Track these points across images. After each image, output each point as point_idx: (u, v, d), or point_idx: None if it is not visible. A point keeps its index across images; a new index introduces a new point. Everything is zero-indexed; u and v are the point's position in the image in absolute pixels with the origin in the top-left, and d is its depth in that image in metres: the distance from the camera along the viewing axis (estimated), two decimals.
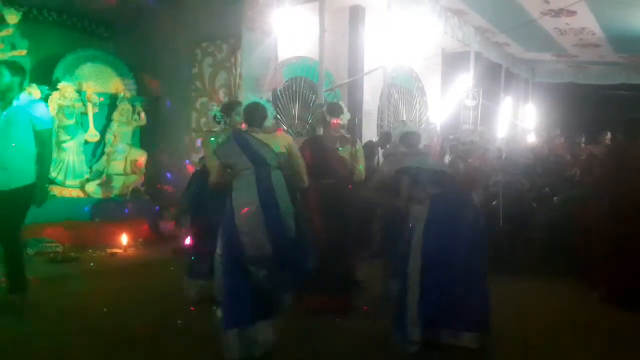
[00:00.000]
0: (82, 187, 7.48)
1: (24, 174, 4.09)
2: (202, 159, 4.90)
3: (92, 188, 7.52)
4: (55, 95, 7.25)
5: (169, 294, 4.67)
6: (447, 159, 6.85)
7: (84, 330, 3.79)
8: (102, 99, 7.76)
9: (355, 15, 8.47)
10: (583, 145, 8.48)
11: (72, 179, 7.43)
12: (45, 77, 7.28)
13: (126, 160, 7.81)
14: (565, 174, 7.17)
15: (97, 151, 7.88)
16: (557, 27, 9.42)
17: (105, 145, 7.82)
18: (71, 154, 7.43)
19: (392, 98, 9.66)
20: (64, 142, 7.34)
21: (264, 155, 3.40)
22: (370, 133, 8.87)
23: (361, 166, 4.52)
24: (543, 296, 4.98)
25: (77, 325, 3.89)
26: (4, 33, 6.69)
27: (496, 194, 6.17)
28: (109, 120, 7.87)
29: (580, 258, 5.49)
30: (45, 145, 4.19)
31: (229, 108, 4.53)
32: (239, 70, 7.29)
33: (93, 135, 7.71)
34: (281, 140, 3.55)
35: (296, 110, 8.24)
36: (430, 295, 3.48)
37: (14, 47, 6.74)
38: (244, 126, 4.19)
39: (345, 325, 4.01)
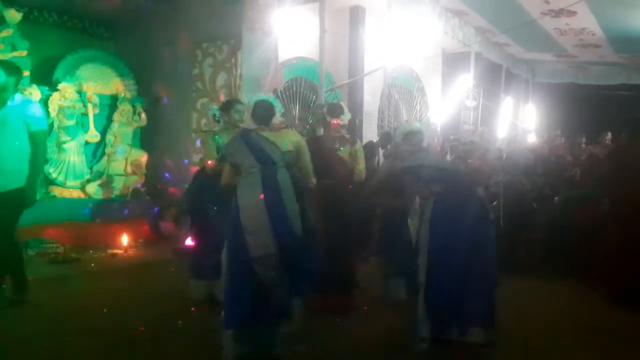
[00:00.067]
0: (82, 188, 7.48)
1: (18, 175, 4.05)
2: (202, 159, 4.91)
3: (93, 188, 7.52)
4: (56, 95, 7.24)
5: (170, 294, 4.67)
6: (447, 159, 6.84)
7: (84, 330, 3.79)
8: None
9: (355, 15, 8.47)
10: (583, 146, 8.48)
11: (73, 179, 7.43)
12: (46, 78, 7.27)
13: (126, 160, 7.81)
14: (565, 174, 7.18)
15: (97, 152, 7.87)
16: (557, 27, 9.41)
17: (105, 145, 7.81)
18: (71, 155, 7.42)
19: (392, 98, 9.67)
20: (64, 142, 7.33)
21: (270, 154, 3.36)
22: (370, 133, 8.87)
23: (361, 166, 4.52)
24: (543, 296, 4.98)
25: (77, 325, 3.89)
26: (4, 34, 6.68)
27: (496, 194, 6.17)
28: (109, 120, 7.87)
29: (580, 258, 5.49)
30: (38, 146, 4.14)
31: (227, 106, 4.53)
32: (239, 71, 7.29)
33: (93, 135, 7.71)
34: (289, 137, 3.50)
35: (296, 111, 8.24)
36: (437, 293, 3.46)
37: (14, 48, 6.73)
38: (244, 124, 4.20)
39: (345, 325, 4.01)
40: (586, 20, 8.87)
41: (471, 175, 3.74)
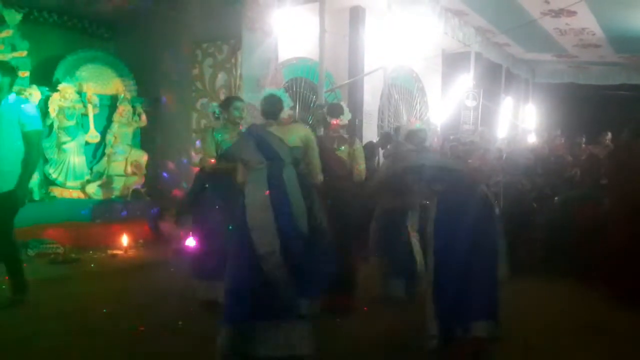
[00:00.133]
0: (82, 188, 7.48)
1: (13, 176, 4.03)
2: (202, 159, 4.92)
3: (93, 189, 7.52)
4: (56, 96, 7.24)
5: (170, 294, 4.67)
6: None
7: (84, 330, 3.79)
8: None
9: (355, 15, 8.48)
10: (583, 146, 8.49)
11: (73, 180, 7.43)
12: (46, 78, 7.27)
13: (126, 161, 7.81)
14: (565, 174, 7.18)
15: (97, 152, 7.87)
16: (557, 27, 9.42)
17: (105, 146, 7.81)
18: (71, 155, 7.42)
19: (392, 98, 9.67)
20: (64, 143, 7.33)
21: (277, 150, 3.33)
22: (370, 133, 8.88)
23: (361, 166, 4.52)
24: (543, 296, 4.98)
25: (77, 325, 3.89)
26: (4, 34, 6.68)
27: (496, 194, 6.16)
28: (109, 121, 7.86)
29: (580, 258, 5.49)
30: (32, 146, 4.10)
31: (226, 103, 4.53)
32: (239, 71, 7.29)
33: (93, 136, 7.71)
34: (297, 132, 3.45)
35: (296, 111, 8.24)
36: (445, 291, 3.45)
37: (14, 48, 6.73)
38: (243, 121, 4.19)
39: (345, 325, 4.01)
40: (586, 20, 8.88)
41: (472, 175, 3.74)
